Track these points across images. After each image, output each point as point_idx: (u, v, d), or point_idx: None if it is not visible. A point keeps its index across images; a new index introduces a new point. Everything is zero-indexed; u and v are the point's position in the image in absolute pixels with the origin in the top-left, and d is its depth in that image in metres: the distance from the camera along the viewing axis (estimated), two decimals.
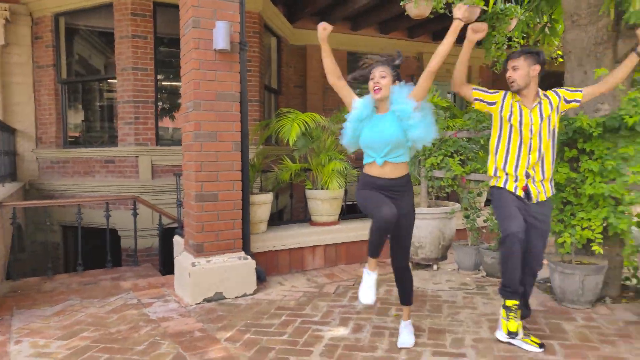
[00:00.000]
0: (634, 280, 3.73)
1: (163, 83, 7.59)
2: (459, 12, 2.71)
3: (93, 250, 7.18)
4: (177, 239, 4.74)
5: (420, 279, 4.49)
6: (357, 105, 2.80)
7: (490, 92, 2.99)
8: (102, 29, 7.63)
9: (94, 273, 5.43)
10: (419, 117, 2.67)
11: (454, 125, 5.06)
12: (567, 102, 2.93)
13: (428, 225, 4.68)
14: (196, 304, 3.87)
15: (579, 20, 3.81)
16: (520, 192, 2.90)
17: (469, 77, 10.38)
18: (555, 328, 3.16)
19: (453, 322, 3.33)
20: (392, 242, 2.92)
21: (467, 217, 4.71)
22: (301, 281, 4.53)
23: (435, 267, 4.83)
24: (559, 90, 2.95)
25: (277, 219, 7.30)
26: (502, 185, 2.96)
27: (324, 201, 5.10)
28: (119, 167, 7.37)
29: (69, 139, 7.94)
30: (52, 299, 4.16)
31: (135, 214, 5.80)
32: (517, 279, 2.82)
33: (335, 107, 8.96)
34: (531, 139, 2.86)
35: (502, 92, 2.98)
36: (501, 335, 2.92)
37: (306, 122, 4.89)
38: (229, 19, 4.01)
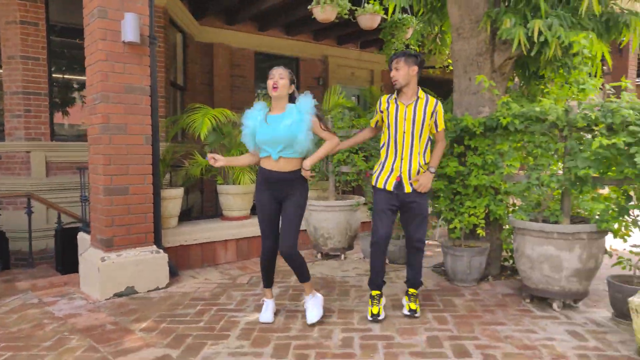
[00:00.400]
0: (511, 261, 4.34)
1: (59, 75, 7.11)
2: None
3: None
4: (82, 236, 4.54)
5: (329, 268, 4.77)
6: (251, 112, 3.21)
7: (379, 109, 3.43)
8: None
9: None
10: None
11: (358, 125, 5.43)
12: (431, 119, 3.29)
13: (336, 218, 4.99)
14: (106, 299, 3.78)
15: (463, 33, 4.34)
16: (389, 186, 3.25)
17: (372, 81, 11.08)
18: (448, 303, 3.60)
19: (360, 304, 3.63)
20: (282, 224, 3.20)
21: (371, 209, 5.10)
22: (214, 274, 4.59)
23: (342, 256, 5.15)
24: (439, 106, 3.31)
25: (186, 217, 7.21)
26: (374, 183, 3.35)
27: (235, 196, 5.20)
28: (5, 163, 6.78)
29: None
30: None
31: (29, 212, 5.42)
32: (380, 274, 3.37)
33: (243, 106, 9.03)
34: (404, 132, 3.23)
35: (384, 98, 3.41)
36: (368, 317, 3.28)
37: (217, 118, 4.96)
38: (137, 11, 3.96)
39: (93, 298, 3.82)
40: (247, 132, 3.14)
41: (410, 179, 3.22)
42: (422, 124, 3.22)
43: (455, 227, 3.97)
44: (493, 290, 3.88)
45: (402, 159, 3.24)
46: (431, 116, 3.25)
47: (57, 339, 2.98)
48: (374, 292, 3.34)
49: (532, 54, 3.81)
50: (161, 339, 2.98)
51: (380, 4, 6.01)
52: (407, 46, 6.72)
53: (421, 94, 3.29)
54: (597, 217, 3.33)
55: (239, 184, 5.13)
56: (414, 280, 3.43)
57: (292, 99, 3.16)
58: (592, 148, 3.14)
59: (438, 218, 4.34)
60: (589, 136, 3.35)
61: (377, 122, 3.47)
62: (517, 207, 3.62)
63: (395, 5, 4.37)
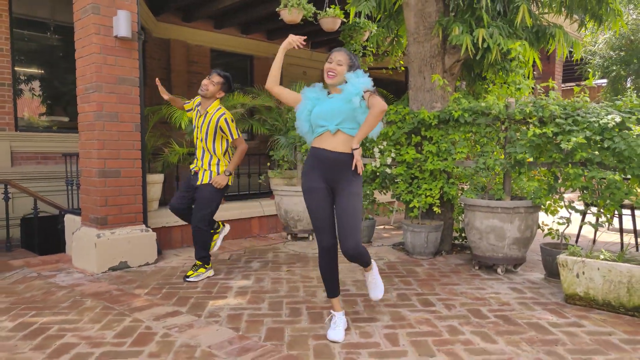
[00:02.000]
0: (460, 240, 5.05)
1: (21, 67, 7.15)
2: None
3: None
4: (70, 217, 4.77)
5: (300, 247, 5.28)
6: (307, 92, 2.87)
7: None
8: None
9: None
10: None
11: None
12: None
13: (303, 202, 5.48)
14: (102, 272, 4.09)
15: (418, 38, 4.98)
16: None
17: (323, 80, 11.67)
18: (410, 270, 4.21)
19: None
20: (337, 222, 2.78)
21: None
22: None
23: (310, 237, 5.67)
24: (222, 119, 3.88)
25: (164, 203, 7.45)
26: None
27: None
28: None
29: None
30: None
31: (6, 199, 5.53)
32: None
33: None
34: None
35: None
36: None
37: None
38: (127, 9, 4.28)
39: (89, 272, 4.12)
40: (306, 104, 2.77)
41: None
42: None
43: (414, 207, 4.59)
44: (447, 262, 4.54)
45: None
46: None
47: (72, 301, 3.31)
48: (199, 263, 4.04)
49: (477, 57, 4.51)
50: (166, 300, 3.38)
51: (342, 8, 6.58)
52: (364, 47, 7.33)
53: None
54: (532, 194, 4.04)
55: None
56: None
57: None
58: (527, 137, 3.84)
59: (397, 200, 4.95)
60: (525, 128, 4.06)
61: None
62: (466, 189, 4.29)
63: (360, 11, 4.93)
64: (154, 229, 4.86)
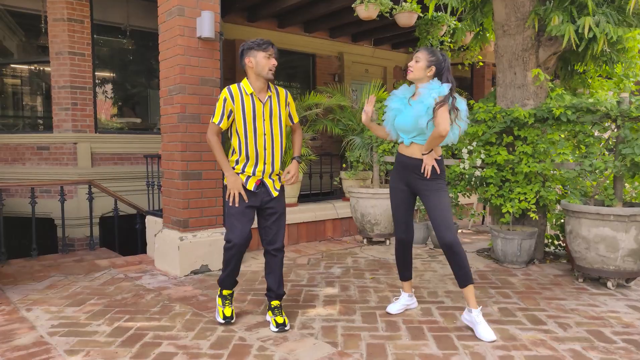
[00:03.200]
0: (552, 247, 4.66)
1: (100, 71, 7.41)
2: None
3: (16, 240, 6.85)
4: (151, 219, 4.83)
5: (378, 252, 5.07)
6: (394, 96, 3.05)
7: None
8: (32, 10, 7.25)
9: (52, 257, 5.30)
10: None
11: None
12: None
13: (382, 205, 5.27)
14: (185, 275, 4.08)
15: (509, 30, 4.63)
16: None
17: (384, 77, 11.39)
18: (504, 281, 3.89)
19: (423, 281, 3.92)
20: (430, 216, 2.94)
21: None
22: None
23: (387, 242, 5.45)
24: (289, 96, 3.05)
25: None
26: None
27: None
28: (54, 154, 7.09)
29: None
30: (33, 276, 4.11)
31: (90, 199, 5.71)
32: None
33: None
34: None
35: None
36: (219, 319, 2.98)
37: None
38: (210, 9, 4.24)
39: (172, 274, 4.12)
40: (389, 115, 3.00)
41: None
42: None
43: (507, 212, 4.25)
44: (543, 272, 4.18)
45: None
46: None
47: (162, 305, 3.29)
48: (226, 292, 3.04)
49: (580, 49, 4.10)
50: (254, 307, 3.28)
51: (419, 2, 6.29)
52: (442, 42, 7.01)
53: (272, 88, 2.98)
54: None
55: None
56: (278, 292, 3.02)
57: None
58: None
59: (485, 204, 4.63)
60: None
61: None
62: (569, 192, 3.90)
63: (441, 4, 4.64)
64: None
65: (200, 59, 4.22)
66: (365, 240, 5.51)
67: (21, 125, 7.68)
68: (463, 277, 2.82)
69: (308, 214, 5.61)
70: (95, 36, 7.12)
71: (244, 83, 2.87)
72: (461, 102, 2.83)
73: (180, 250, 4.07)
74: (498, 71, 4.85)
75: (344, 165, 5.91)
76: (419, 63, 2.82)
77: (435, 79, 2.83)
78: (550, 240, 4.73)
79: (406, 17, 6.36)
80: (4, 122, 7.60)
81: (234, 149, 2.90)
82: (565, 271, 4.17)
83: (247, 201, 2.84)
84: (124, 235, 6.50)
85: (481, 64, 7.13)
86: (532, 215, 4.16)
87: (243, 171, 2.86)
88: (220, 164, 2.89)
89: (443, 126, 2.65)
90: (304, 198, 6.05)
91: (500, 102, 4.78)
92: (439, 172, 2.86)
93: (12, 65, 7.67)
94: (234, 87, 2.86)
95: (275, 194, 2.94)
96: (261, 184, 2.89)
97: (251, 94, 2.83)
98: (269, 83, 2.92)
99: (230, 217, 2.87)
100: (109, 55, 7.51)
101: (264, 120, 2.84)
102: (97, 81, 7.33)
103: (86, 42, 7.01)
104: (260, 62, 2.79)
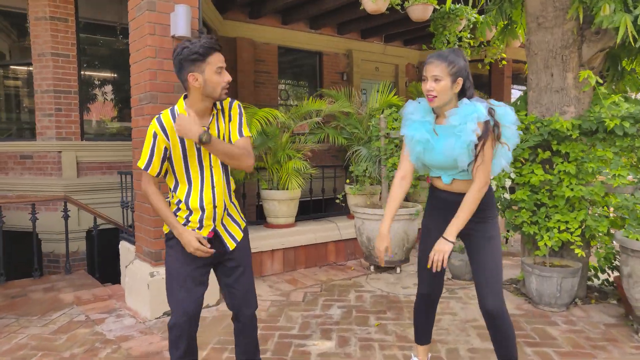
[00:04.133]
0: (595, 280, 3.88)
1: (87, 72, 6.82)
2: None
3: (11, 257, 6.36)
4: (124, 245, 4.20)
5: (387, 283, 4.36)
6: (408, 116, 2.27)
7: None
8: (11, 8, 6.69)
9: (21, 284, 4.71)
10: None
11: None
12: None
13: (392, 227, 4.56)
14: (156, 318, 3.45)
15: (545, 22, 3.87)
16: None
17: (396, 76, 10.62)
18: (543, 334, 3.15)
19: (440, 331, 3.21)
20: (474, 274, 2.25)
21: None
22: (263, 288, 4.22)
23: (398, 269, 4.74)
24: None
25: None
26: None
27: (281, 202, 4.82)
28: (37, 163, 6.54)
29: None
30: None
31: (66, 217, 5.14)
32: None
33: (267, 102, 8.67)
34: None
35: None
36: None
37: (266, 119, 4.56)
38: (186, 2, 3.58)
39: (142, 316, 3.48)
40: (414, 149, 2.20)
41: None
42: None
43: (544, 244, 3.51)
44: (589, 318, 3.42)
45: None
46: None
47: None
48: None
49: (638, 44, 3.33)
50: None
51: None
52: (460, 39, 6.25)
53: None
54: None
55: (286, 189, 4.75)
56: None
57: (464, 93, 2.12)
58: None
59: (515, 232, 3.88)
60: None
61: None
62: (626, 225, 3.13)
63: None
64: None
65: None
66: (372, 267, 4.81)
67: (5, 133, 7.14)
68: (504, 357, 2.16)
69: (307, 235, 4.92)
70: (81, 36, 6.54)
71: (180, 108, 2.06)
72: (504, 114, 2.10)
73: (151, 289, 3.43)
74: (530, 72, 4.10)
75: (347, 181, 5.20)
76: (441, 82, 2.04)
77: (464, 99, 2.10)
78: (593, 272, 3.96)
79: (420, 10, 5.62)
80: None
81: (169, 195, 2.17)
82: (617, 317, 3.41)
83: (213, 251, 2.08)
84: (112, 249, 5.94)
85: (504, 62, 6.35)
86: (577, 250, 3.40)
87: (187, 222, 2.10)
88: (167, 221, 2.08)
89: (484, 180, 2.05)
90: (303, 215, 5.37)
91: (532, 109, 4.03)
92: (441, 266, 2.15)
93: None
94: (165, 115, 2.05)
95: (232, 245, 2.17)
96: (214, 235, 2.13)
97: None
98: None
99: (170, 282, 2.09)
100: (97, 57, 6.92)
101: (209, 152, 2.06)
102: (83, 85, 6.75)
103: (71, 42, 6.43)
104: (211, 80, 1.96)
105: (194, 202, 2.07)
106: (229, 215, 2.18)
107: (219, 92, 2.01)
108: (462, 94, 2.11)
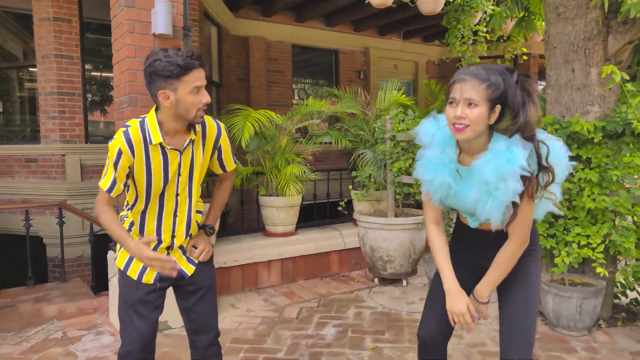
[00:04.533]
0: (623, 297, 3.46)
1: (92, 73, 6.70)
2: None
3: (12, 259, 6.32)
4: (112, 256, 4.00)
5: (391, 298, 4.04)
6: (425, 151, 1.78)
7: None
8: (17, 9, 6.62)
9: (13, 292, 4.56)
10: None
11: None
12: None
13: (397, 238, 4.23)
14: None
15: (566, 12, 3.47)
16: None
17: (416, 74, 10.22)
18: None
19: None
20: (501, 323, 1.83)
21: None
22: (257, 303, 3.95)
23: (404, 282, 4.39)
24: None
25: (225, 230, 6.66)
26: None
27: (279, 209, 4.53)
28: (42, 166, 6.45)
29: None
30: None
31: (61, 223, 4.97)
32: None
33: (280, 102, 8.41)
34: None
35: None
36: None
37: (260, 121, 4.28)
38: None
39: None
40: (436, 190, 1.73)
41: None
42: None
43: (561, 261, 3.12)
44: (613, 344, 3.02)
45: None
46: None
47: None
48: None
49: None
50: None
51: None
52: (475, 33, 5.84)
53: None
54: None
55: (284, 195, 4.46)
56: None
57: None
58: None
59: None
60: None
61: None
62: None
63: None
64: None
65: None
66: (376, 280, 4.48)
67: (14, 135, 7.10)
68: None
69: (308, 245, 4.63)
70: (85, 37, 6.41)
71: (151, 124, 1.78)
72: (556, 150, 1.61)
73: None
74: (549, 68, 3.70)
75: (350, 187, 4.87)
76: (476, 109, 1.53)
77: (500, 135, 1.61)
78: (621, 289, 3.54)
79: (430, 3, 5.25)
80: None
81: (125, 208, 1.93)
82: None
83: (175, 271, 1.82)
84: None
85: (525, 57, 5.90)
86: (599, 269, 3.00)
87: None
88: (119, 239, 1.81)
89: (523, 238, 1.64)
90: (306, 221, 5.08)
91: (551, 109, 3.64)
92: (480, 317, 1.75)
93: (5, 70, 7.09)
94: (134, 130, 1.77)
95: (190, 270, 1.95)
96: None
97: (160, 145, 1.77)
98: None
99: (123, 308, 1.89)
100: (101, 57, 6.79)
101: (179, 176, 1.84)
102: (87, 86, 6.63)
103: (74, 43, 6.31)
104: (184, 100, 1.69)
105: (149, 230, 1.87)
106: (187, 237, 1.97)
107: (194, 115, 1.74)
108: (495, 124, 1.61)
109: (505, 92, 1.55)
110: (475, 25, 5.75)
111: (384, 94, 5.32)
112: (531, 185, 1.55)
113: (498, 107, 1.56)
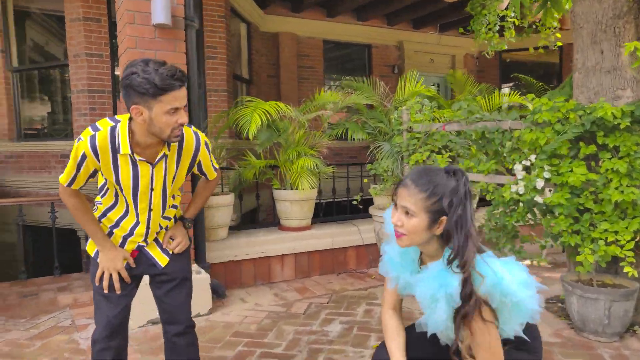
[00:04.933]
0: None
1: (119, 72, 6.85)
2: None
3: (49, 251, 6.55)
4: None
5: None
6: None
7: None
8: (54, 11, 6.87)
9: (39, 282, 4.70)
10: None
11: (440, 117, 4.39)
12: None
13: None
14: (139, 327, 3.23)
15: None
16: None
17: (453, 67, 9.84)
18: None
19: None
20: None
21: None
22: (267, 297, 3.87)
23: None
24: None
25: (248, 221, 6.64)
26: None
27: (293, 203, 4.43)
28: None
29: (25, 132, 7.20)
30: None
31: (53, 218, 5.07)
32: None
33: (311, 98, 8.32)
34: None
35: None
36: None
37: (269, 113, 4.19)
38: None
39: None
40: (391, 281, 1.62)
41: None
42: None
43: (585, 258, 2.84)
44: None
45: None
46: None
47: None
48: None
49: None
50: None
51: None
52: (503, 18, 5.51)
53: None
54: None
55: (297, 189, 4.36)
56: None
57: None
58: None
59: (554, 242, 3.22)
60: None
61: None
62: None
63: None
64: (218, 264, 3.93)
65: (158, 53, 3.28)
66: None
67: (54, 133, 7.39)
68: None
69: (324, 240, 4.50)
70: (114, 35, 6.56)
71: (122, 133, 1.67)
72: (495, 284, 1.34)
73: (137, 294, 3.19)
74: (576, 50, 3.41)
75: (365, 180, 4.70)
76: (413, 219, 1.37)
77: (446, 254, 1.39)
78: None
79: None
80: (38, 129, 7.39)
81: (100, 193, 1.88)
82: None
83: (128, 281, 1.88)
84: None
85: (559, 43, 5.51)
86: (627, 268, 2.71)
87: (111, 233, 1.87)
88: (91, 234, 1.84)
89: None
90: (326, 216, 4.95)
91: (579, 94, 3.34)
92: None
93: (46, 69, 7.38)
94: (102, 137, 1.66)
95: (164, 261, 1.92)
96: (140, 253, 1.91)
97: (129, 156, 1.70)
98: None
99: (94, 293, 1.91)
100: None
101: (151, 191, 1.80)
102: (117, 84, 6.79)
103: (104, 42, 6.46)
104: (159, 119, 1.60)
105: (124, 223, 1.87)
106: (161, 229, 1.96)
107: (168, 134, 1.65)
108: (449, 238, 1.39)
109: (454, 203, 1.35)
110: (502, 11, 5.42)
111: (404, 84, 5.10)
112: (476, 307, 1.31)
113: (444, 219, 1.37)
